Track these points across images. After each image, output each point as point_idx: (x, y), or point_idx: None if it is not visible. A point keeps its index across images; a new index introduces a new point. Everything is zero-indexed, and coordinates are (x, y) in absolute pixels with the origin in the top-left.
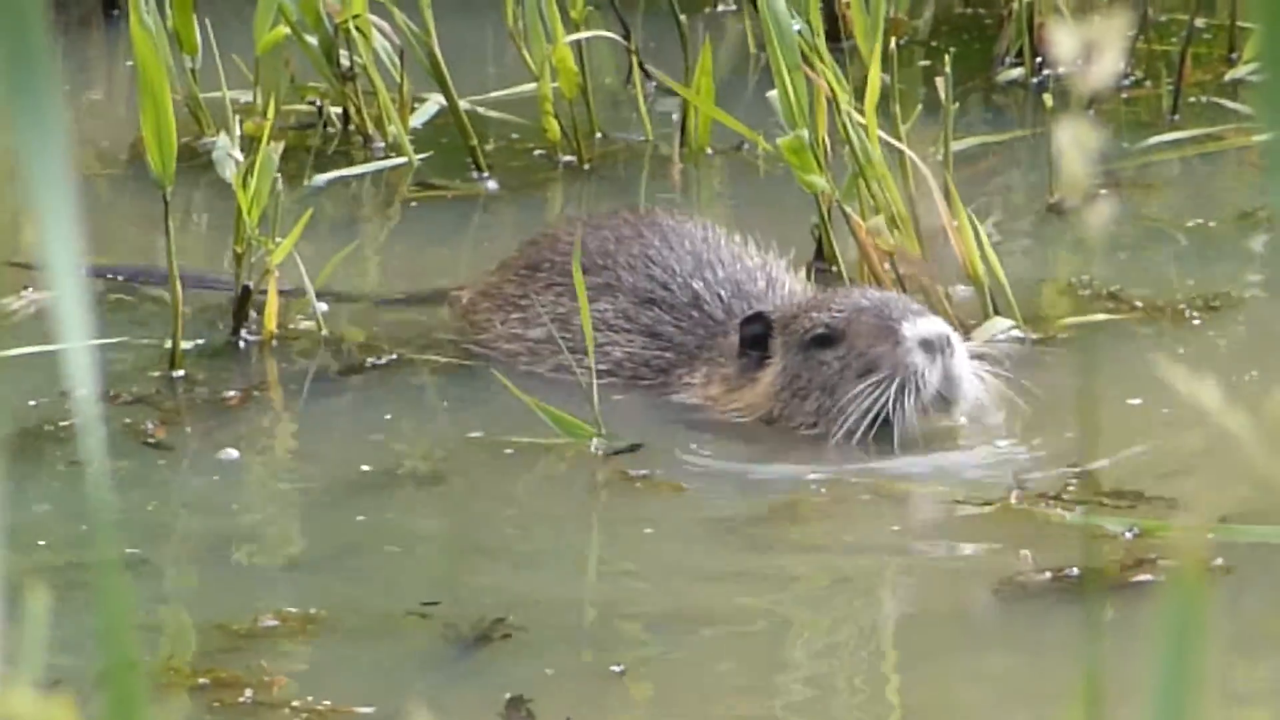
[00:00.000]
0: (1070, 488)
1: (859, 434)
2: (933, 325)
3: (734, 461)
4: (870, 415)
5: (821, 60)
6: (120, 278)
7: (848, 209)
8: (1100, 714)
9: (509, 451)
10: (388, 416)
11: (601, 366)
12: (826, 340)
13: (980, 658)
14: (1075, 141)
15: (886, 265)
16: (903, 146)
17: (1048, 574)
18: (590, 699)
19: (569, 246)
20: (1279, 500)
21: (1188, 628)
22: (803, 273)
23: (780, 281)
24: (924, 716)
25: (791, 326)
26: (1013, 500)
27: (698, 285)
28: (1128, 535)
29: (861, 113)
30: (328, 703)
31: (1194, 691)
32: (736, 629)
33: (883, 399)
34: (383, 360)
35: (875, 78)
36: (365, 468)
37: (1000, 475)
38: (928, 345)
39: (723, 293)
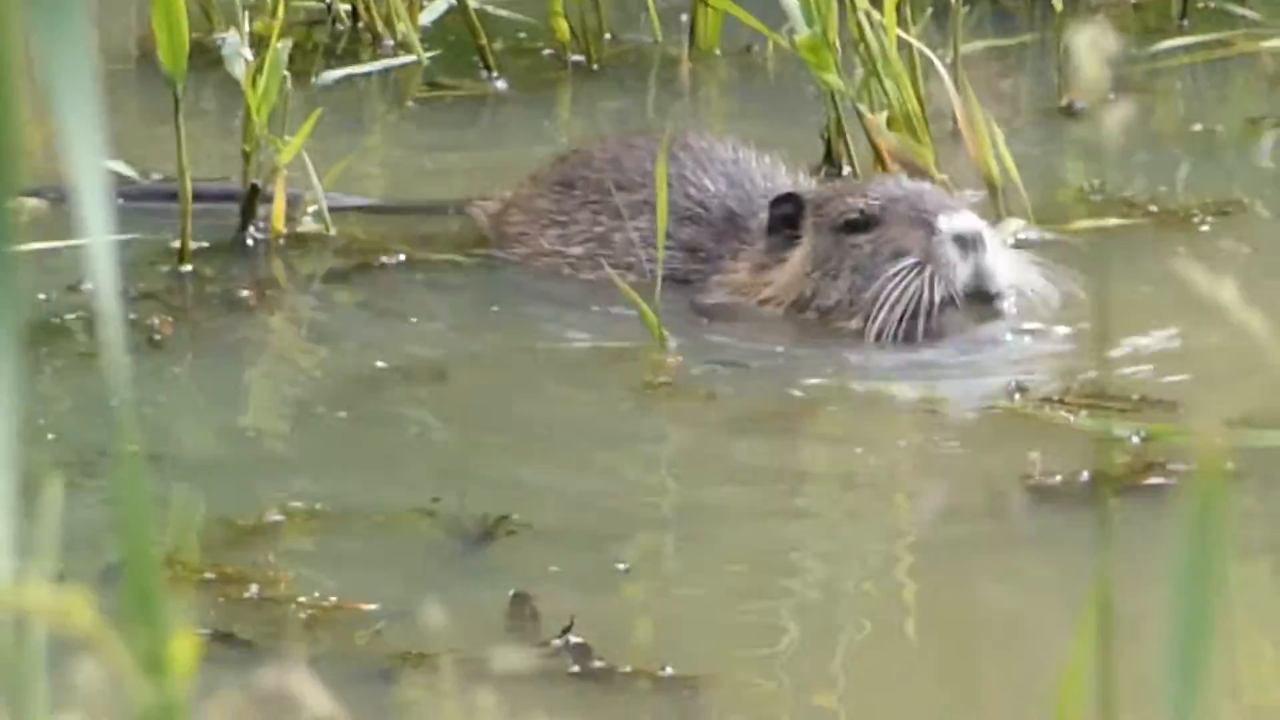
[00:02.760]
0: (1075, 390)
1: (889, 331)
2: (967, 221)
3: (754, 362)
4: (900, 306)
5: None
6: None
7: (862, 109)
8: (1112, 619)
9: (522, 351)
10: (397, 316)
11: (642, 280)
12: (859, 225)
13: (995, 558)
14: (1092, 44)
15: (898, 166)
16: (919, 44)
17: (1058, 478)
18: (595, 597)
19: (604, 164)
20: None
21: (1209, 532)
22: (805, 175)
23: None
24: (939, 618)
25: (824, 209)
26: (1013, 403)
27: (732, 204)
28: (1135, 440)
29: (877, 12)
30: (333, 599)
31: (1214, 597)
32: (747, 530)
33: (914, 286)
34: (392, 260)
35: None
36: (378, 364)
37: (1012, 377)
38: (961, 240)
39: (758, 209)
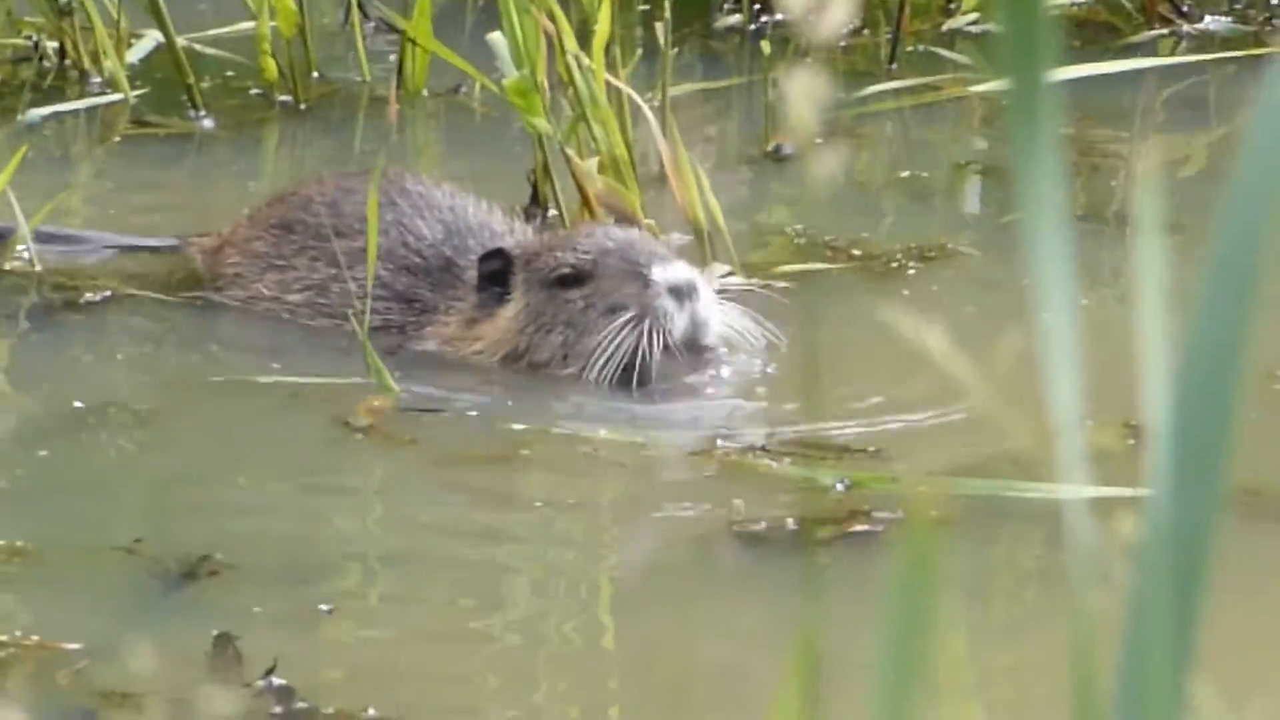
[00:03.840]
0: (778, 438)
1: (606, 376)
2: (681, 271)
3: (463, 408)
4: (617, 356)
5: (546, 2)
6: None
7: (569, 153)
8: (817, 666)
9: (227, 391)
10: (102, 353)
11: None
12: (571, 280)
13: (700, 606)
14: (803, 89)
15: (605, 211)
16: (626, 89)
17: (762, 524)
18: (298, 638)
19: (322, 209)
20: (991, 452)
21: (920, 582)
22: (521, 220)
23: None
24: (645, 667)
25: (534, 264)
26: (719, 450)
27: (449, 252)
28: (840, 487)
29: (586, 55)
30: (34, 637)
31: (924, 646)
32: (453, 574)
33: (630, 339)
34: (98, 297)
35: (606, 16)
36: (77, 404)
37: (718, 425)
38: (676, 291)
39: (474, 259)
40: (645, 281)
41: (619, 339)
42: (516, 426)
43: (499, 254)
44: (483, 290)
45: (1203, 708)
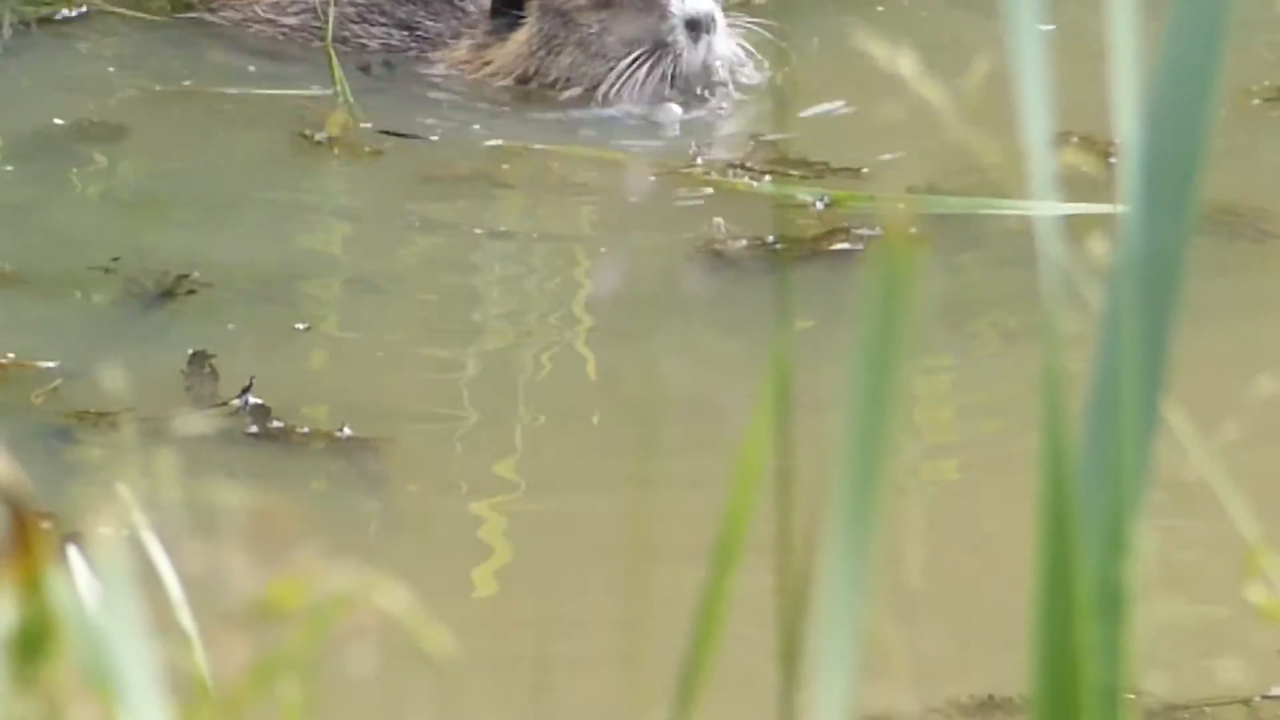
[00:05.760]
0: (758, 157)
1: (614, 104)
2: (700, 3)
3: (444, 129)
4: (628, 88)
5: None
6: None
7: None
8: (791, 381)
9: (206, 110)
10: (76, 70)
11: (357, 53)
12: (589, 6)
13: (676, 321)
14: None
15: None
16: None
17: (743, 242)
18: (273, 356)
19: None
20: (966, 170)
21: (896, 295)
22: None
23: None
24: (619, 383)
25: None
26: (698, 168)
27: None
28: (819, 205)
29: None
30: (11, 355)
31: (897, 360)
32: (426, 293)
33: (641, 72)
34: (74, 13)
35: None
36: (56, 121)
37: (698, 144)
38: (693, 24)
39: None
40: (663, 14)
41: (631, 71)
42: (494, 143)
43: None
44: (497, 15)
45: (1174, 427)
